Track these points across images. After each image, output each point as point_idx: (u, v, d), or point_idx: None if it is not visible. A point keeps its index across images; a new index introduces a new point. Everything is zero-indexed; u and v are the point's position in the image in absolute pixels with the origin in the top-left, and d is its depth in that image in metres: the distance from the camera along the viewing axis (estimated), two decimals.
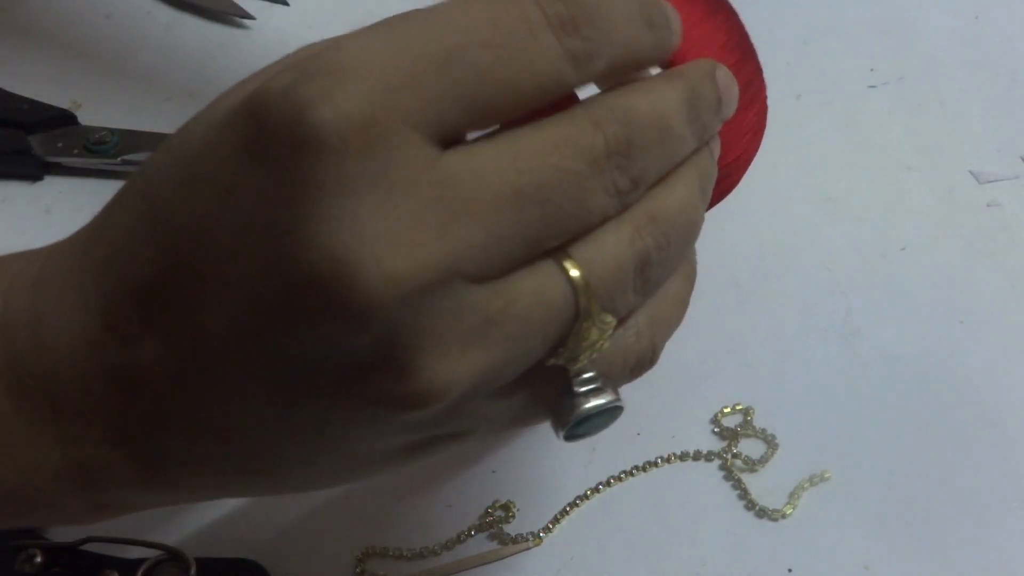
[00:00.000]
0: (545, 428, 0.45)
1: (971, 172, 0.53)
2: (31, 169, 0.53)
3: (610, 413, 0.28)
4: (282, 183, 0.23)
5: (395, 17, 0.24)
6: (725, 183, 0.34)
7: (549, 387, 0.27)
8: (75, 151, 0.52)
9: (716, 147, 0.30)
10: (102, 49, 0.59)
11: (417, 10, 0.24)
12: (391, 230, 0.22)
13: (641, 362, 0.29)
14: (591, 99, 0.26)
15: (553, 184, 0.24)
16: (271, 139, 0.23)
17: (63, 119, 0.53)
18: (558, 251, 0.25)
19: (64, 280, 0.27)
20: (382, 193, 0.23)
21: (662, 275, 0.28)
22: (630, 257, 0.26)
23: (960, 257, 0.50)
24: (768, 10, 0.59)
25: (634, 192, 0.26)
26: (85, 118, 0.54)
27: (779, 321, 0.48)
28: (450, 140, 0.24)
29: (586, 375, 0.27)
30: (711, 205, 0.32)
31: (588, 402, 0.27)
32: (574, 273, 0.25)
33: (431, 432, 0.27)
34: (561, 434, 0.28)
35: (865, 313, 0.48)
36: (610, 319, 0.26)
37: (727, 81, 0.29)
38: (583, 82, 0.25)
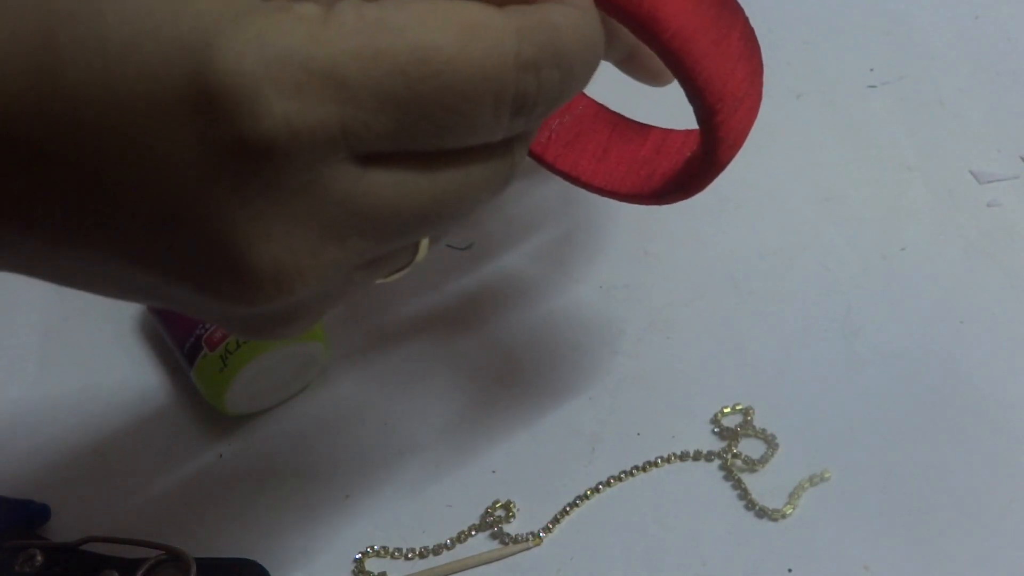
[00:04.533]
0: (544, 428, 0.45)
1: (971, 172, 0.53)
2: None
3: None
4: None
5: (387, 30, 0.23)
6: (734, 120, 0.31)
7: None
8: None
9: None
10: None
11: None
12: None
13: None
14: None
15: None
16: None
17: None
18: None
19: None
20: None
21: None
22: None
23: (960, 257, 0.50)
24: (768, 10, 0.59)
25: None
26: None
27: (779, 321, 0.48)
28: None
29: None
30: (724, 149, 0.31)
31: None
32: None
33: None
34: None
35: (865, 313, 0.48)
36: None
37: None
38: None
